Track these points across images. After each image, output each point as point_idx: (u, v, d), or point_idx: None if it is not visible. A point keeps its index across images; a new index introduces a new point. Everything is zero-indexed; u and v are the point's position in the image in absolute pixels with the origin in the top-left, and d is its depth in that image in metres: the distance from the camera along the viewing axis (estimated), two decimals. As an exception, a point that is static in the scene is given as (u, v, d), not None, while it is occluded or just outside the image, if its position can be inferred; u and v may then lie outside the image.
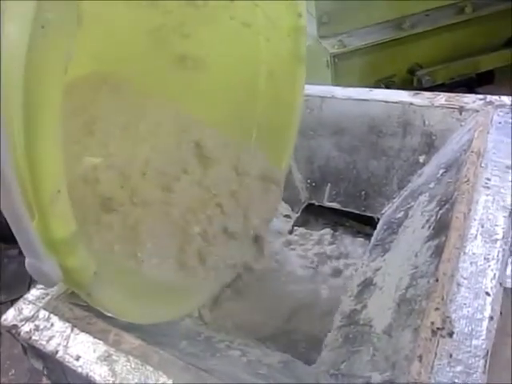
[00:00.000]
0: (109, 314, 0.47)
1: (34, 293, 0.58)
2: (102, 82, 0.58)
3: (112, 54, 0.56)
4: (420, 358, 0.42)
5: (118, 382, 0.47)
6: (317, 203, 0.83)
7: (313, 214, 0.83)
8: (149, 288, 0.55)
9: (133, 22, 0.56)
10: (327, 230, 0.79)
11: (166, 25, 0.57)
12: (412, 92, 0.75)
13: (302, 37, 0.65)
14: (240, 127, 0.68)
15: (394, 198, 0.75)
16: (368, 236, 0.74)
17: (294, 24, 0.63)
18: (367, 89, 0.78)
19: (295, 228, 0.82)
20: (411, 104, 0.72)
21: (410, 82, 1.35)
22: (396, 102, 0.73)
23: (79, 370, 0.49)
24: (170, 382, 0.45)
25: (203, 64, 0.62)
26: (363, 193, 0.78)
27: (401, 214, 0.69)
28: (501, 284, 0.47)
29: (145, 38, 0.58)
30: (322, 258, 0.75)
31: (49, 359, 0.55)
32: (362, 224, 0.80)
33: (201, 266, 0.60)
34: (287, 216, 0.82)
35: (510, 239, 0.52)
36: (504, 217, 0.52)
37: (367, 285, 0.62)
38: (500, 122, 0.65)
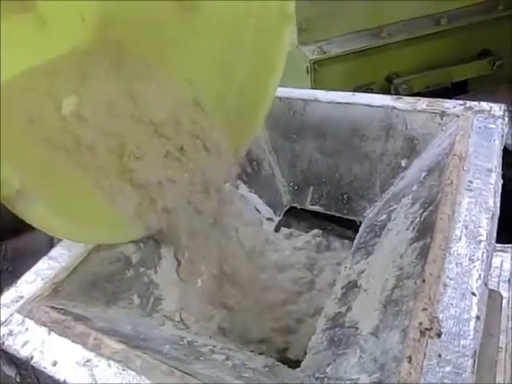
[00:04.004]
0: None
1: (8, 295, 0.55)
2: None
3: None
4: (409, 358, 0.41)
5: (98, 388, 0.45)
6: (299, 206, 0.82)
7: (295, 218, 0.83)
8: (91, 210, 0.57)
9: None
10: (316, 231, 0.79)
11: None
12: (394, 96, 0.76)
13: None
14: (222, 80, 0.69)
15: (377, 202, 0.75)
16: (351, 239, 0.74)
17: None
18: (350, 93, 0.79)
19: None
20: (394, 108, 0.73)
21: (387, 90, 1.37)
22: (379, 106, 0.74)
23: (56, 376, 0.47)
24: (153, 386, 0.44)
25: (198, 6, 0.62)
26: (346, 196, 0.78)
27: (383, 217, 0.69)
28: (486, 284, 0.48)
29: None
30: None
31: (22, 365, 0.52)
32: (344, 227, 0.80)
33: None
34: (269, 219, 0.81)
35: (493, 240, 0.53)
36: (487, 218, 0.53)
37: (351, 287, 0.62)
38: (480, 127, 0.67)
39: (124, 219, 0.61)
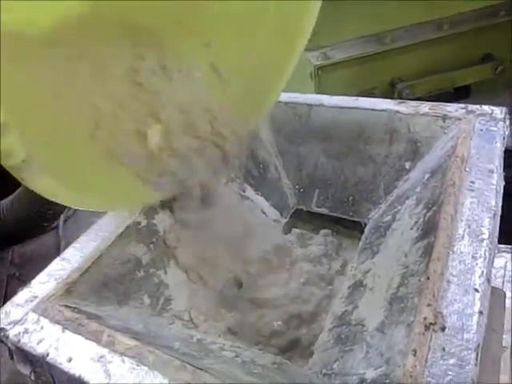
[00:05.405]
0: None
1: (23, 295, 0.57)
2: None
3: None
4: (414, 351, 0.43)
5: (112, 383, 0.46)
6: (305, 209, 0.84)
7: (301, 220, 0.84)
8: (98, 178, 0.57)
9: None
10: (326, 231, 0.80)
11: None
12: (397, 100, 0.77)
13: None
14: (241, 45, 0.67)
15: (381, 203, 0.77)
16: (358, 239, 0.75)
17: None
18: (354, 97, 0.80)
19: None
20: (397, 112, 0.75)
21: (390, 95, 1.39)
22: (382, 110, 0.76)
23: (71, 371, 0.48)
24: (166, 381, 0.45)
25: None
26: (351, 198, 0.80)
27: (388, 218, 0.70)
28: (488, 281, 0.49)
29: None
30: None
31: (38, 363, 0.54)
32: (350, 229, 0.81)
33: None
34: (276, 221, 0.82)
35: (495, 239, 0.54)
36: (489, 218, 0.54)
37: (357, 286, 0.63)
38: (481, 130, 0.68)
39: (132, 186, 0.61)
